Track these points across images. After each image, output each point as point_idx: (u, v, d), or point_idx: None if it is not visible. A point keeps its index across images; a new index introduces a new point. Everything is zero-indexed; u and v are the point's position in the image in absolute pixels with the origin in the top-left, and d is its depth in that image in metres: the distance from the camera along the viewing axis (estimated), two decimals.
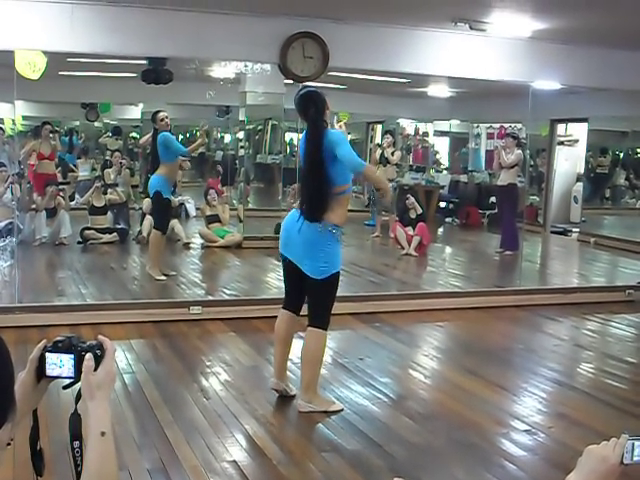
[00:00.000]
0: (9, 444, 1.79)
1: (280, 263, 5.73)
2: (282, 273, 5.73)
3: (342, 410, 5.49)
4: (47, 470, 2.00)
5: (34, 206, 12.10)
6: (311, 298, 5.51)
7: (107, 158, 15.92)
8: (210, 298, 8.80)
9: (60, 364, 1.87)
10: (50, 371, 1.88)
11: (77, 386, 1.86)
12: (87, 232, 12.11)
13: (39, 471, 1.95)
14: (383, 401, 5.77)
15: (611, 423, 5.38)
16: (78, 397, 1.86)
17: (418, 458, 4.75)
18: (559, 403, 5.97)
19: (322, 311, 5.45)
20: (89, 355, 1.84)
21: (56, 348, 1.87)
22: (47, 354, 1.87)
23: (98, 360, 1.85)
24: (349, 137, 19.54)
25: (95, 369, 1.83)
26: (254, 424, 5.19)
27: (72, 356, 1.85)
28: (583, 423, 5.43)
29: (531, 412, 5.63)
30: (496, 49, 8.92)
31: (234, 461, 4.58)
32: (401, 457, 4.71)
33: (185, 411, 5.38)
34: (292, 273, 5.49)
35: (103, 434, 1.79)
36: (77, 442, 1.86)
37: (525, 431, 5.22)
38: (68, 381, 1.89)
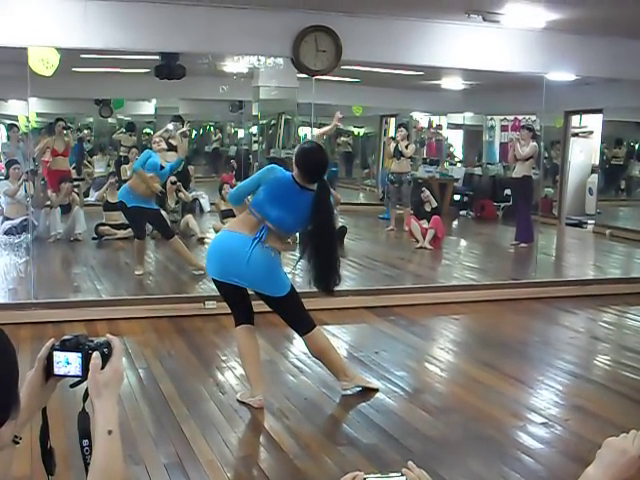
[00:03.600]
0: (18, 442, 1.79)
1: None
2: (223, 294, 5.60)
3: (378, 390, 5.67)
4: (65, 465, 2.00)
5: (49, 202, 12.14)
6: (288, 313, 5.58)
7: (122, 154, 15.95)
8: None
9: (68, 363, 1.87)
10: (58, 369, 1.88)
11: (85, 384, 1.86)
12: (102, 228, 12.14)
13: (50, 470, 1.96)
14: (399, 394, 5.76)
15: (629, 415, 5.36)
16: (85, 395, 1.86)
17: (434, 451, 4.74)
18: (576, 395, 5.94)
19: (304, 315, 5.55)
20: (96, 353, 1.84)
21: (64, 347, 1.87)
22: (55, 352, 1.87)
23: (105, 358, 1.85)
24: (362, 131, 19.36)
25: (102, 367, 1.83)
26: (270, 418, 5.19)
27: (79, 354, 1.85)
28: (600, 415, 5.40)
29: (548, 405, 5.60)
30: (510, 40, 8.88)
31: (250, 455, 4.59)
32: (417, 450, 4.71)
33: (201, 406, 5.39)
34: (232, 291, 5.46)
35: (110, 432, 1.79)
36: (86, 440, 1.86)
37: (542, 424, 5.19)
38: (76, 379, 1.89)
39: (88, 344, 1.87)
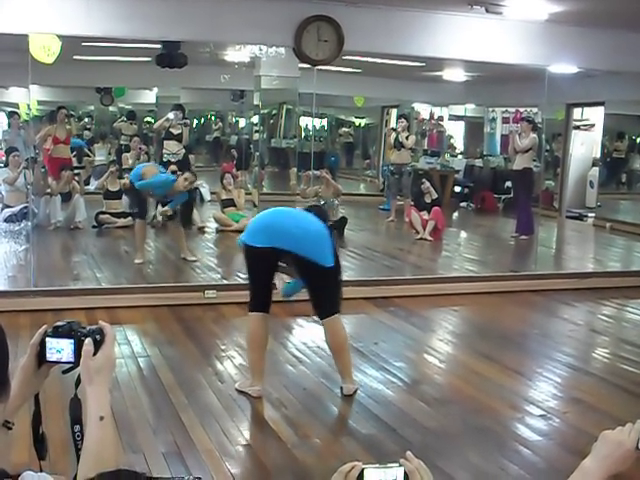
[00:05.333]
0: (10, 428, 1.80)
1: None
2: (254, 270, 5.45)
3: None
4: (61, 451, 2.01)
5: (49, 190, 12.13)
6: (324, 288, 5.44)
7: (122, 143, 15.94)
8: (225, 282, 8.80)
9: (60, 349, 1.87)
10: (50, 356, 1.89)
11: (78, 370, 1.86)
12: (102, 216, 12.13)
13: (41, 455, 1.97)
14: (398, 385, 5.77)
15: (626, 408, 5.36)
16: (78, 382, 1.88)
17: (433, 442, 4.75)
18: (574, 388, 5.95)
19: (337, 298, 5.49)
20: (88, 340, 1.85)
21: (56, 333, 1.88)
22: (47, 339, 1.88)
23: (98, 345, 1.85)
24: (363, 121, 19.36)
25: (94, 354, 1.84)
26: (269, 408, 5.20)
27: (72, 341, 1.86)
28: (598, 408, 5.41)
29: (546, 397, 5.62)
30: (512, 32, 8.86)
31: (249, 445, 4.59)
32: (416, 441, 4.72)
33: (200, 395, 5.39)
34: (267, 267, 5.39)
35: (102, 418, 1.80)
36: (77, 426, 1.87)
37: (540, 416, 5.21)
38: (68, 366, 1.90)
39: (80, 331, 1.88)
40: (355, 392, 5.46)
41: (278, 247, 5.22)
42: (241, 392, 5.38)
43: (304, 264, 5.29)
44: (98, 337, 1.87)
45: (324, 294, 5.45)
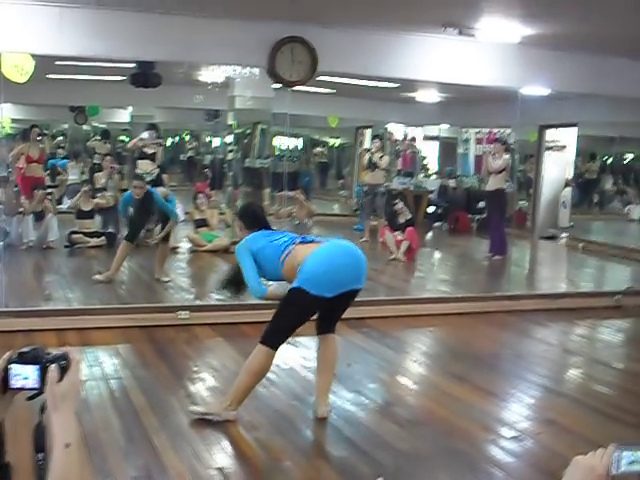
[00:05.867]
0: None
1: None
2: (298, 314, 5.24)
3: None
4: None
5: (21, 209, 12.05)
6: (343, 311, 5.48)
7: (96, 162, 15.88)
8: (198, 303, 8.77)
9: (25, 375, 1.85)
10: (15, 382, 1.86)
11: (42, 397, 1.84)
12: (74, 236, 12.06)
13: None
14: (370, 407, 5.75)
15: (599, 430, 5.37)
16: (43, 408, 1.85)
17: (405, 465, 4.73)
18: (547, 409, 5.96)
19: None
20: (53, 366, 1.83)
21: (21, 359, 1.86)
22: (12, 365, 1.86)
23: (63, 371, 1.84)
24: (337, 141, 19.30)
25: (60, 380, 1.82)
26: (241, 430, 5.15)
27: (37, 367, 1.84)
28: (571, 430, 5.41)
29: (519, 418, 5.61)
30: (485, 54, 8.94)
31: (220, 468, 4.54)
32: (388, 463, 4.69)
33: (172, 417, 5.34)
34: (315, 312, 5.37)
35: (67, 445, 1.78)
36: (41, 454, 1.84)
37: (513, 437, 5.20)
38: (33, 392, 1.87)
39: (46, 357, 1.86)
40: (329, 414, 5.43)
41: (339, 293, 5.15)
42: (204, 417, 5.28)
43: (354, 293, 5.30)
44: (63, 363, 1.85)
45: (341, 313, 5.52)
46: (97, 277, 9.48)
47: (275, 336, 5.20)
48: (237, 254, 5.38)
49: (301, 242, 5.26)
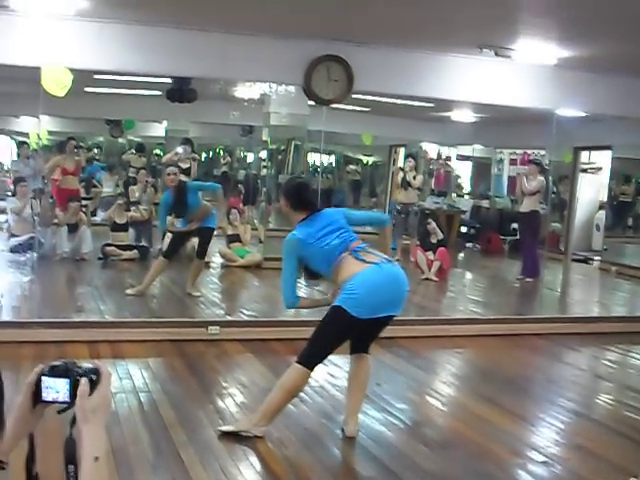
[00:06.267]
0: (3, 468, 1.80)
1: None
2: (337, 336, 5.22)
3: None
4: None
5: (56, 221, 12.15)
6: (379, 333, 5.45)
7: (130, 175, 15.99)
8: (228, 318, 8.79)
9: (56, 388, 1.87)
10: (46, 395, 1.88)
11: (73, 411, 1.86)
12: (108, 248, 12.15)
13: None
14: (399, 427, 5.74)
15: (629, 456, 5.33)
16: (73, 421, 1.87)
17: None
18: (577, 434, 5.91)
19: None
20: (84, 380, 1.85)
21: (52, 372, 1.88)
22: (43, 378, 1.88)
23: (93, 385, 1.86)
24: (371, 159, 19.32)
25: (90, 394, 1.84)
26: (269, 447, 5.15)
27: (68, 380, 1.86)
28: (600, 455, 5.36)
29: (548, 443, 5.57)
30: (521, 76, 8.92)
31: None
32: None
33: (200, 432, 5.35)
34: (353, 334, 5.31)
35: (97, 459, 1.80)
36: (72, 466, 1.86)
37: (542, 462, 5.15)
38: (63, 406, 1.89)
39: (76, 370, 1.88)
40: (357, 433, 5.42)
41: (378, 316, 5.14)
42: (232, 433, 5.29)
43: (391, 317, 5.28)
44: (94, 377, 1.87)
45: (376, 335, 5.47)
46: (128, 291, 9.53)
47: (312, 356, 5.18)
48: (283, 248, 5.27)
49: (353, 253, 5.14)
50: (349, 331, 5.21)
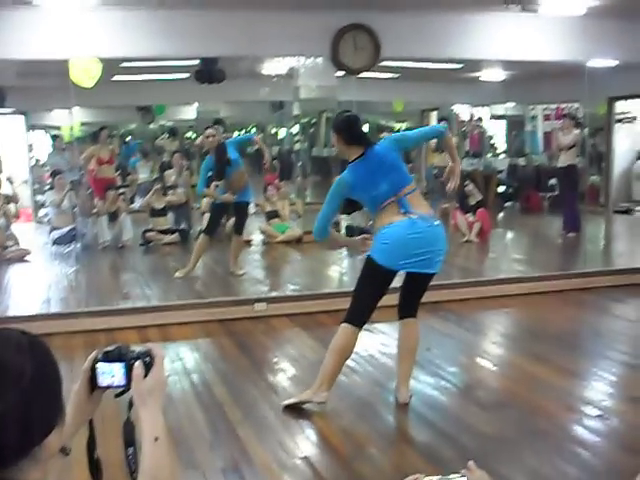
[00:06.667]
0: (67, 454, 1.83)
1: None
2: (371, 288, 5.28)
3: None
4: (119, 475, 2.03)
5: (95, 211, 12.26)
6: (421, 292, 5.45)
7: (165, 159, 16.05)
8: (274, 294, 8.82)
9: (111, 373, 1.90)
10: (102, 381, 1.91)
11: (130, 394, 1.89)
12: (149, 234, 12.24)
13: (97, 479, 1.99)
14: (452, 391, 5.75)
15: None
16: (130, 405, 1.90)
17: (489, 447, 4.71)
18: (631, 386, 5.88)
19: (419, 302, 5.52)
20: (138, 363, 1.87)
21: (106, 358, 1.91)
22: (98, 364, 1.91)
23: (147, 367, 1.88)
24: (403, 125, 19.25)
25: (145, 376, 1.87)
26: (324, 419, 5.20)
27: (122, 365, 1.89)
28: None
29: (602, 396, 5.55)
30: (549, 29, 8.82)
31: (306, 457, 4.59)
32: (472, 447, 4.69)
33: (254, 409, 5.40)
34: (387, 287, 5.30)
35: (156, 439, 1.82)
36: (131, 449, 1.90)
37: (597, 416, 5.14)
38: (120, 389, 1.93)
39: (130, 354, 1.90)
40: (410, 399, 5.44)
41: (410, 271, 5.20)
42: (296, 405, 5.35)
43: (428, 277, 5.32)
44: (148, 360, 1.90)
45: (417, 296, 5.48)
46: (177, 274, 9.59)
47: (354, 312, 5.25)
48: (332, 187, 5.30)
49: (400, 201, 5.12)
50: (382, 282, 5.23)
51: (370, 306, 5.27)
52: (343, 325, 5.22)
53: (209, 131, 9.49)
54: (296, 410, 5.28)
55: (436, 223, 5.23)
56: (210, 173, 9.41)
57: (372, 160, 5.18)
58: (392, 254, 5.08)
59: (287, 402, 5.36)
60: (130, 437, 1.91)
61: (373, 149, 5.23)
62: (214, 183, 9.60)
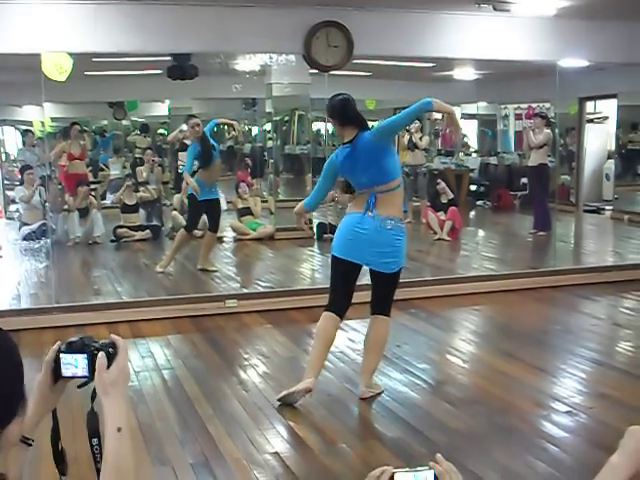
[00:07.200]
0: (30, 444, 1.83)
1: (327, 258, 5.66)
2: (334, 276, 5.54)
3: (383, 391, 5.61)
4: (85, 465, 2.03)
5: (66, 207, 12.19)
6: (382, 290, 5.53)
7: (137, 156, 15.98)
8: (245, 291, 8.82)
9: (75, 364, 1.90)
10: (65, 371, 1.91)
11: (93, 384, 1.89)
12: (120, 230, 12.19)
13: (62, 471, 1.99)
14: (422, 387, 5.78)
15: None
16: (93, 395, 1.90)
17: (459, 443, 4.74)
18: (599, 383, 5.93)
19: (390, 301, 5.58)
20: (102, 354, 1.87)
21: (70, 349, 1.91)
22: (62, 355, 1.91)
23: (111, 358, 1.88)
24: (376, 124, 19.24)
25: (108, 367, 1.86)
26: (294, 415, 5.21)
27: (85, 356, 1.88)
28: (624, 402, 5.39)
29: (571, 393, 5.60)
30: (521, 29, 8.86)
31: (276, 452, 4.60)
32: (442, 442, 4.71)
33: (225, 405, 5.41)
34: (348, 275, 5.45)
35: (119, 430, 1.82)
36: (95, 439, 1.89)
37: (566, 412, 5.19)
38: (83, 380, 1.93)
39: (93, 345, 1.90)
40: (379, 394, 5.47)
41: (351, 260, 5.39)
42: (268, 400, 5.36)
43: (381, 275, 5.47)
44: (111, 350, 1.89)
45: (386, 293, 5.57)
46: (158, 269, 9.63)
47: (329, 300, 5.52)
48: (325, 164, 5.61)
49: (369, 195, 5.31)
50: (341, 270, 5.45)
51: (341, 293, 5.46)
52: (323, 312, 5.45)
53: (195, 120, 9.56)
54: (266, 406, 5.30)
55: (388, 227, 5.31)
56: (196, 162, 9.52)
57: (357, 149, 5.30)
58: (337, 241, 5.43)
59: (281, 395, 5.37)
60: (94, 428, 1.90)
61: (363, 137, 5.31)
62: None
